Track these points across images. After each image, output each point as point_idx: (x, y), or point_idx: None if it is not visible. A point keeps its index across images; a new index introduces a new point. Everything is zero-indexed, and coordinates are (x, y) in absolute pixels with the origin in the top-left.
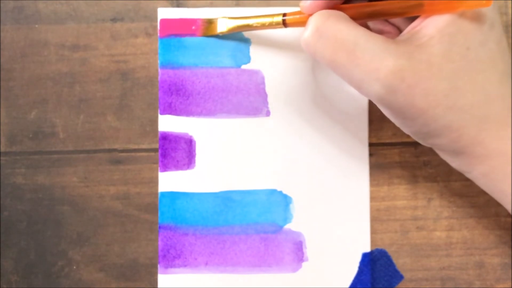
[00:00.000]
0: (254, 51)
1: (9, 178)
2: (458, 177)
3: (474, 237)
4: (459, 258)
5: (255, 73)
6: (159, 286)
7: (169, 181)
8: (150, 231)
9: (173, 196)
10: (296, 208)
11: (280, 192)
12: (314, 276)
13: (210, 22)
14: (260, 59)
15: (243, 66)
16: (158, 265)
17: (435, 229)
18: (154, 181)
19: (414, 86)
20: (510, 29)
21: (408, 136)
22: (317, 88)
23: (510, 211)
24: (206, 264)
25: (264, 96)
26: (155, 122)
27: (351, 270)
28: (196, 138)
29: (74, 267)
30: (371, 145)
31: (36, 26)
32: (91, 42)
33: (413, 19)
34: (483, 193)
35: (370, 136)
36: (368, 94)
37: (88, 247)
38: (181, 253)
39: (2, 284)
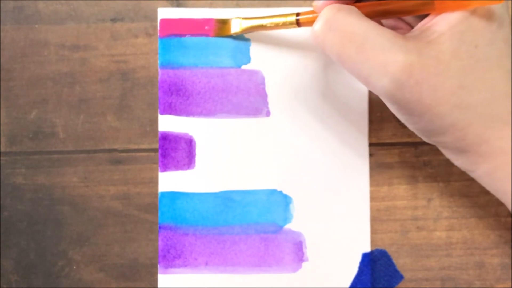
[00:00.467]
0: (254, 51)
1: (9, 178)
2: (458, 177)
3: (474, 237)
4: (459, 258)
5: (255, 73)
6: (159, 286)
7: (169, 181)
8: (150, 231)
9: (173, 196)
10: (296, 208)
11: (280, 192)
12: (314, 276)
13: (224, 23)
14: (260, 59)
15: (243, 66)
16: (158, 265)
17: (435, 229)
18: (154, 181)
19: (422, 82)
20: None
21: (408, 136)
22: (317, 88)
23: (511, 211)
24: (206, 264)
25: (264, 96)
26: (155, 122)
27: (351, 270)
28: (196, 138)
29: (74, 267)
30: (371, 145)
31: (36, 26)
32: (91, 42)
33: (424, 16)
34: (483, 193)
35: (370, 136)
36: (375, 89)
37: (88, 247)
38: (181, 253)
39: (2, 284)
